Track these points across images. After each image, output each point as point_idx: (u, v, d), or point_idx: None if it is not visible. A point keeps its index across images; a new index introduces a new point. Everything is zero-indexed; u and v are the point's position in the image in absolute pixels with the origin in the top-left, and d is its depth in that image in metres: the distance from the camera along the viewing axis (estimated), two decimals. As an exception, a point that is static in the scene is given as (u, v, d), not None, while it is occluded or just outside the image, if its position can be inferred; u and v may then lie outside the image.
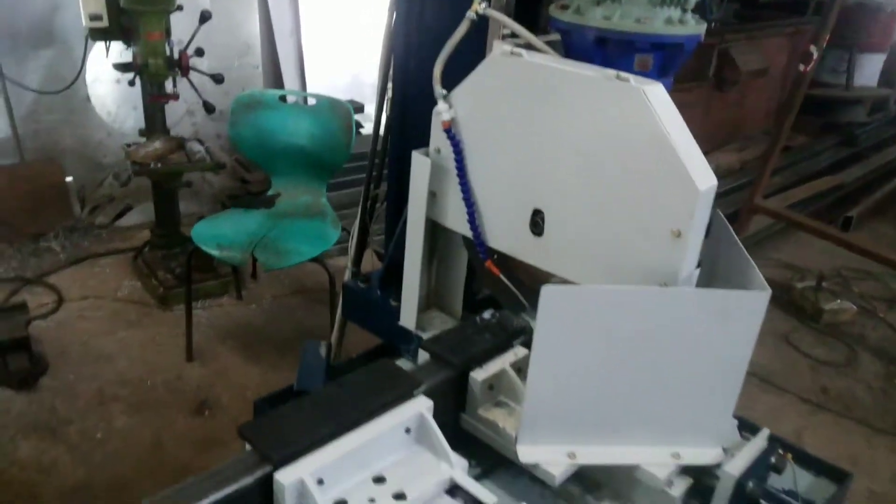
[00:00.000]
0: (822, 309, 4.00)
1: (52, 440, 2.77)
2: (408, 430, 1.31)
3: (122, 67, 3.51)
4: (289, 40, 4.97)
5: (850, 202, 5.45)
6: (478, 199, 1.59)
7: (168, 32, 3.44)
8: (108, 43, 3.52)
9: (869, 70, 6.86)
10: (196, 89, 3.54)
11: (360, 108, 4.06)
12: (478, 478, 1.42)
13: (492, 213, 1.59)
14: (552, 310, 1.24)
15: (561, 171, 1.43)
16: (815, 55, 3.33)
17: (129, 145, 3.57)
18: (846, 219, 5.12)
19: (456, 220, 1.67)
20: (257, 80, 4.97)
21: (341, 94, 3.36)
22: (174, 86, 3.57)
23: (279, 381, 2.41)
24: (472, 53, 1.55)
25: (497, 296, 1.70)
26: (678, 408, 1.38)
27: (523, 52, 1.40)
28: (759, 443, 1.45)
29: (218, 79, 3.53)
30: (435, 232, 1.78)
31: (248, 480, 1.12)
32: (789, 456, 1.51)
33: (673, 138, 1.26)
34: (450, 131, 1.54)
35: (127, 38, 3.48)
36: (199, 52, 3.50)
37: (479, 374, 1.45)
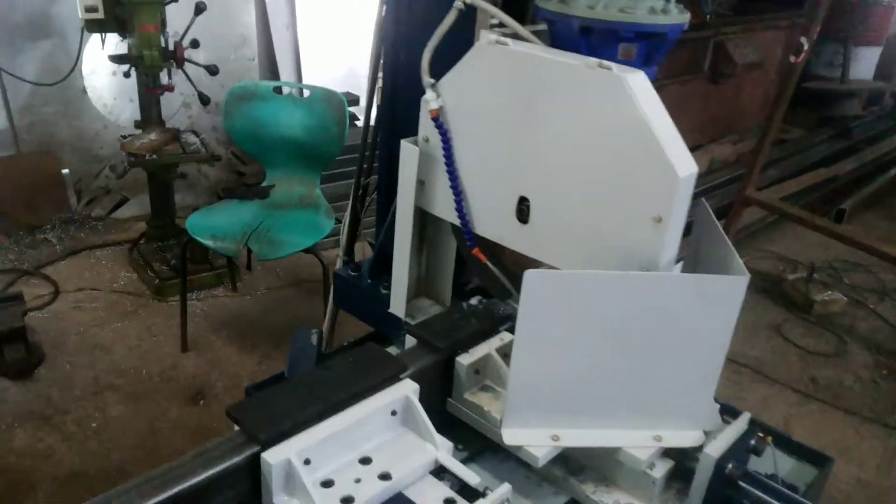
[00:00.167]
0: (812, 300, 4.03)
1: (48, 429, 2.80)
2: (394, 413, 1.34)
3: (117, 59, 3.53)
4: (285, 33, 4.98)
5: (844, 195, 5.48)
6: (465, 187, 1.62)
7: (163, 24, 3.46)
8: (103, 35, 3.53)
9: (864, 63, 6.87)
10: (191, 81, 3.56)
11: (355, 101, 4.07)
12: (464, 461, 1.43)
13: (479, 201, 1.62)
14: (534, 294, 1.27)
15: (545, 158, 1.45)
16: (806, 47, 3.35)
17: (124, 137, 3.59)
18: (839, 211, 5.15)
19: (444, 208, 1.69)
20: (253, 73, 4.99)
21: (337, 87, 3.38)
22: (169, 77, 3.59)
23: (273, 371, 2.43)
24: (461, 43, 1.57)
25: (484, 283, 1.73)
26: (660, 391, 1.41)
27: (509, 41, 1.42)
28: (739, 426, 1.47)
29: (212, 70, 3.54)
30: (424, 220, 1.80)
31: (236, 460, 1.15)
32: (769, 439, 1.54)
33: (654, 126, 1.28)
34: (437, 120, 1.56)
35: (122, 29, 3.50)
36: (195, 44, 3.52)
37: (465, 359, 1.48)
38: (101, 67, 4.36)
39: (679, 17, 1.43)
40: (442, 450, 1.31)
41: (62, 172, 4.42)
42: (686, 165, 1.31)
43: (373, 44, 2.12)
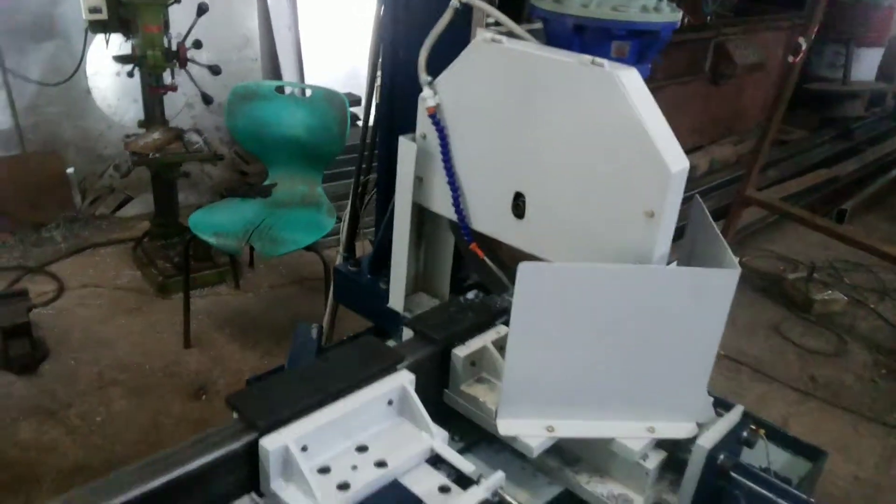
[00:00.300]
0: (812, 299, 4.05)
1: (53, 423, 2.83)
2: (390, 402, 1.36)
3: (121, 59, 3.57)
4: (287, 34, 5.02)
5: (846, 195, 5.50)
6: (462, 183, 1.64)
7: (167, 25, 3.50)
8: (107, 35, 3.57)
9: (867, 64, 6.88)
10: (194, 81, 3.60)
11: (356, 101, 4.11)
12: (460, 452, 1.46)
13: (475, 197, 1.64)
14: (529, 286, 1.29)
15: (540, 154, 1.48)
16: (804, 47, 3.38)
17: (128, 136, 3.63)
18: (840, 211, 5.16)
19: (441, 203, 1.72)
20: (256, 73, 5.02)
21: (339, 88, 3.40)
22: (172, 77, 3.62)
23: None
24: (458, 42, 1.60)
25: (481, 278, 1.75)
26: (653, 383, 1.43)
27: (504, 39, 1.45)
28: (731, 418, 1.50)
29: (215, 70, 3.58)
30: (422, 216, 1.83)
31: (234, 446, 1.18)
32: (762, 432, 1.56)
33: (646, 122, 1.31)
34: (435, 117, 1.59)
35: (126, 30, 3.53)
36: (198, 45, 3.56)
37: (461, 351, 1.50)
38: (104, 68, 4.40)
39: (671, 15, 1.46)
40: (437, 439, 1.34)
41: (67, 172, 4.45)
42: (677, 161, 1.33)
43: (371, 43, 2.16)
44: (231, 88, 3.44)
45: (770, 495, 1.40)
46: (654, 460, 1.43)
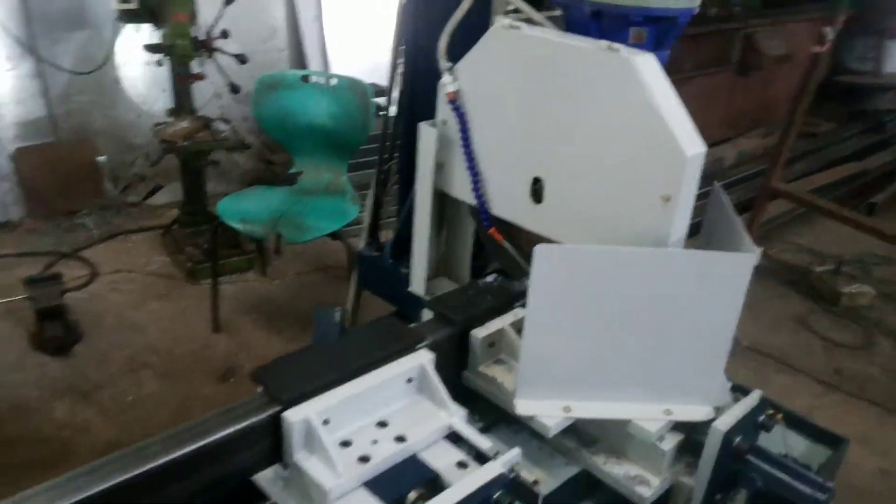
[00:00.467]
0: (839, 292, 4.01)
1: (86, 403, 2.92)
2: (410, 381, 1.39)
3: (150, 48, 3.64)
4: (312, 25, 5.07)
5: (876, 189, 5.42)
6: (481, 168, 1.67)
7: (194, 15, 3.55)
8: (136, 23, 3.64)
9: (899, 57, 6.77)
10: (222, 70, 3.66)
11: (381, 92, 4.14)
12: (480, 432, 1.49)
13: (495, 182, 1.67)
14: (545, 268, 1.31)
15: (558, 139, 1.50)
16: (830, 36, 3.34)
17: (158, 124, 3.70)
18: (869, 205, 5.09)
19: (462, 189, 1.74)
20: (282, 64, 5.08)
21: (363, 79, 3.45)
22: (201, 66, 3.69)
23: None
24: (477, 28, 1.62)
25: (500, 262, 1.78)
26: (669, 366, 1.44)
27: (522, 25, 1.47)
28: (749, 402, 1.51)
29: (242, 59, 3.64)
30: (443, 202, 1.86)
31: (259, 418, 1.22)
32: (780, 416, 1.56)
33: (661, 106, 1.32)
34: (454, 102, 1.62)
35: (155, 19, 3.60)
36: (225, 34, 3.61)
37: (479, 332, 1.53)
38: (134, 58, 4.48)
39: (689, 1, 1.46)
40: (456, 416, 1.37)
41: (98, 160, 4.55)
42: (693, 145, 1.35)
43: (394, 31, 2.19)
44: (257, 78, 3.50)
45: (786, 478, 1.41)
46: (670, 442, 1.44)
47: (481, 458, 1.32)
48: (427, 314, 1.62)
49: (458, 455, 1.33)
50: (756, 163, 5.61)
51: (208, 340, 3.37)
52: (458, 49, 1.63)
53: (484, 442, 1.32)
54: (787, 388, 3.39)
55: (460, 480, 1.19)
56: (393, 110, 2.37)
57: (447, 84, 1.60)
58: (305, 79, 3.50)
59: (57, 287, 3.29)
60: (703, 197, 1.57)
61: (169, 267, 3.96)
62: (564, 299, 1.35)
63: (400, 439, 1.30)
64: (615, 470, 1.46)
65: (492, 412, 1.57)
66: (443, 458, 1.32)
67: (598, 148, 1.45)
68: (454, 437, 1.37)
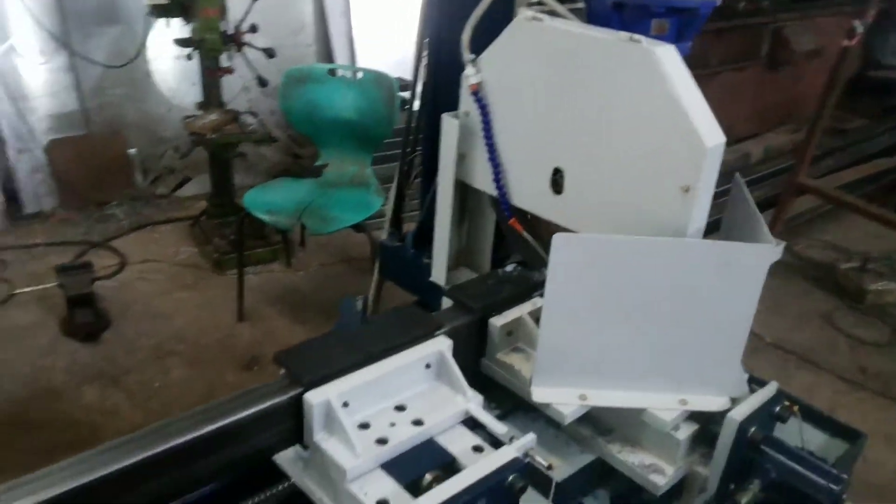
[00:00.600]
0: (865, 290, 3.97)
1: (114, 388, 2.99)
2: (428, 366, 1.42)
3: (181, 42, 3.70)
4: (340, 20, 5.11)
5: (906, 185, 5.35)
6: (503, 160, 1.69)
7: (224, 9, 3.61)
8: (166, 18, 3.71)
9: (934, 52, 6.64)
10: (250, 64, 3.71)
11: (406, 86, 4.17)
12: (497, 419, 1.51)
13: (515, 173, 1.69)
14: (563, 257, 1.33)
15: (579, 130, 1.51)
16: (859, 30, 3.30)
17: (187, 117, 3.77)
18: (899, 201, 5.02)
19: (483, 180, 1.76)
20: (310, 59, 5.14)
21: (390, 72, 3.48)
22: (229, 60, 3.75)
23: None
24: (501, 20, 1.64)
25: (520, 253, 1.80)
26: (686, 356, 1.45)
27: (545, 17, 1.49)
28: (765, 393, 1.51)
29: (270, 53, 3.69)
30: (465, 193, 1.88)
31: (281, 398, 1.25)
32: (795, 408, 1.56)
33: (682, 98, 1.33)
34: (477, 94, 1.64)
35: (186, 14, 3.67)
36: (254, 29, 3.67)
37: (497, 320, 1.55)
38: (165, 52, 4.56)
39: (711, -7, 1.47)
40: (472, 402, 1.39)
41: (129, 152, 4.64)
42: (713, 136, 1.35)
43: (419, 24, 2.21)
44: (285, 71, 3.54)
45: (800, 469, 1.41)
46: (685, 431, 1.45)
47: (497, 443, 1.33)
48: (447, 302, 1.65)
49: (475, 440, 1.35)
50: (784, 159, 5.55)
51: (233, 329, 3.43)
52: (482, 41, 1.65)
53: (500, 427, 1.34)
54: (811, 385, 3.37)
55: (475, 464, 1.21)
56: (417, 104, 2.40)
57: (470, 76, 1.62)
58: (332, 73, 3.54)
59: (87, 275, 3.37)
60: (724, 195, 1.58)
61: (196, 257, 4.03)
62: (582, 288, 1.37)
63: (417, 423, 1.33)
64: (630, 458, 1.47)
65: (508, 400, 1.59)
66: (459, 443, 1.34)
67: (619, 139, 1.46)
68: (471, 423, 1.39)
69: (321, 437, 1.26)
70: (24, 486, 1.06)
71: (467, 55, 1.63)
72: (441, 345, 1.43)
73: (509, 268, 1.71)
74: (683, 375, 1.46)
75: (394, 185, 2.42)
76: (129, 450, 1.14)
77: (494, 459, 1.22)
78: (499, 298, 1.59)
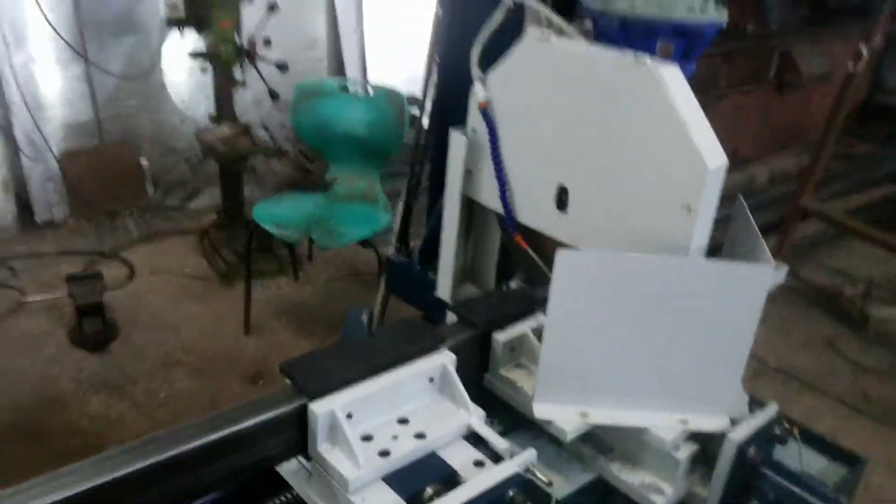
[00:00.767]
0: (869, 316, 3.96)
1: (120, 397, 3.01)
2: (431, 380, 1.43)
3: (196, 55, 3.76)
4: (352, 36, 5.17)
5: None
6: (509, 176, 1.71)
7: (239, 23, 3.67)
8: (182, 30, 3.77)
9: (942, 78, 6.65)
10: (262, 77, 3.76)
11: (416, 103, 4.21)
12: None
13: (521, 189, 1.71)
14: (566, 273, 1.34)
15: (584, 148, 1.53)
16: (866, 55, 3.32)
17: (199, 129, 3.82)
18: (905, 227, 5.01)
19: (489, 196, 1.78)
20: (322, 73, 5.20)
21: (400, 89, 3.52)
22: (242, 73, 3.80)
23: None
24: (510, 38, 1.67)
25: (524, 269, 1.81)
26: (687, 375, 1.46)
27: (552, 36, 1.52)
28: (765, 414, 1.52)
29: (283, 67, 3.74)
30: (471, 209, 1.90)
31: (286, 408, 1.27)
32: (796, 430, 1.57)
33: (685, 118, 1.35)
34: (485, 111, 1.67)
35: (201, 26, 3.72)
36: (267, 42, 3.72)
37: (501, 336, 1.56)
38: (179, 64, 4.61)
39: (716, 15, 1.50)
40: (474, 416, 1.40)
41: (141, 163, 4.69)
42: (715, 157, 1.37)
43: (430, 42, 2.24)
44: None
45: (799, 491, 1.42)
46: (685, 451, 1.45)
47: (498, 459, 1.34)
48: (451, 317, 1.66)
49: (476, 454, 1.35)
50: (790, 182, 5.56)
51: (240, 342, 3.45)
52: (490, 59, 1.68)
53: (501, 442, 1.35)
54: (813, 410, 3.36)
55: (476, 478, 1.22)
56: (426, 121, 2.43)
57: (478, 93, 1.65)
58: (343, 88, 3.58)
59: (97, 285, 3.40)
60: (727, 220, 1.60)
61: (205, 269, 4.06)
62: (584, 304, 1.38)
63: (420, 436, 1.34)
64: (630, 477, 1.48)
65: (510, 417, 1.60)
66: (460, 457, 1.34)
67: (623, 157, 1.48)
68: (472, 438, 1.40)
69: (324, 448, 1.27)
70: (29, 490, 1.07)
71: (476, 72, 1.66)
72: (445, 359, 1.44)
73: (513, 284, 1.73)
74: (684, 395, 1.47)
75: (401, 201, 2.44)
76: (135, 455, 1.16)
77: (495, 474, 1.23)
78: (502, 314, 1.60)
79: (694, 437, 1.48)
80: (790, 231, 4.18)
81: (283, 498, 1.32)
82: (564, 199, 1.60)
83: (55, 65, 4.34)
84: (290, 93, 4.10)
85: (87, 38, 4.36)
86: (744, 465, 1.42)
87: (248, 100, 4.81)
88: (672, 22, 1.45)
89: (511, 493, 1.21)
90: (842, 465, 1.84)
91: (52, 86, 4.36)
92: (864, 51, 3.31)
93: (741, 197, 1.66)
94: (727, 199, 1.55)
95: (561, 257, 1.32)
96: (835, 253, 4.83)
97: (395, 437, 1.33)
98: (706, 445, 1.49)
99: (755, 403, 1.56)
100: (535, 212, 1.69)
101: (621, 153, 1.47)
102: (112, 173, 4.56)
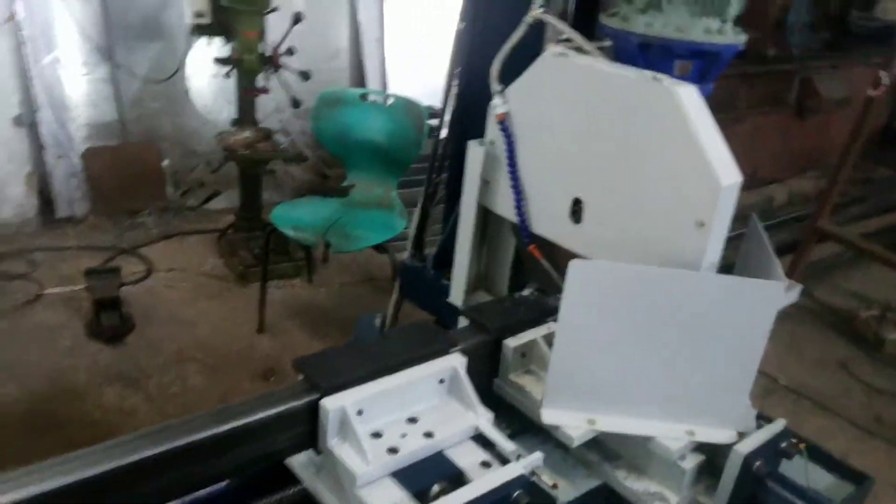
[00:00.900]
0: (884, 339, 3.95)
1: (134, 390, 3.06)
2: (442, 381, 1.46)
3: (220, 61, 3.83)
4: (374, 46, 5.23)
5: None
6: (525, 188, 1.74)
7: (263, 32, 3.74)
8: (208, 37, 3.85)
9: (964, 105, 6.61)
10: (285, 85, 3.82)
11: (435, 114, 4.25)
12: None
13: (537, 201, 1.74)
14: (578, 283, 1.37)
15: (600, 162, 1.56)
16: (885, 81, 3.33)
17: (221, 133, 3.88)
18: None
19: (505, 206, 1.81)
20: (343, 83, 5.26)
21: (420, 100, 3.58)
22: (266, 81, 3.86)
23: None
24: (530, 54, 1.70)
25: (537, 278, 1.84)
26: (695, 388, 1.48)
27: (571, 53, 1.55)
28: (772, 429, 1.52)
29: (305, 76, 3.80)
30: (486, 218, 1.93)
31: (298, 403, 1.30)
32: (802, 446, 1.58)
33: (701, 136, 1.38)
34: (503, 124, 1.70)
35: (226, 34, 3.80)
36: (290, 52, 3.78)
37: (512, 342, 1.59)
38: (203, 70, 4.68)
39: (734, 38, 1.52)
40: (483, 418, 1.43)
41: (162, 164, 4.77)
42: (729, 175, 1.40)
43: (451, 54, 2.29)
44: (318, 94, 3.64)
45: (803, 506, 1.43)
46: (691, 461, 1.46)
47: (505, 461, 1.36)
48: (463, 322, 1.69)
49: (483, 455, 1.38)
50: (809, 205, 5.55)
51: (253, 340, 3.49)
52: (510, 73, 1.71)
53: (508, 445, 1.37)
54: (824, 431, 3.35)
55: (482, 478, 1.24)
56: (444, 131, 2.47)
57: (497, 106, 1.68)
58: (364, 97, 3.63)
59: (115, 279, 3.46)
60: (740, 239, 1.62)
61: (221, 269, 4.12)
62: (595, 313, 1.41)
63: (428, 435, 1.36)
64: (635, 485, 1.49)
65: (518, 422, 1.62)
66: (467, 457, 1.37)
67: (638, 173, 1.50)
68: (480, 440, 1.43)
69: (334, 443, 1.30)
70: (39, 472, 1.10)
71: (496, 86, 1.69)
72: (455, 361, 1.47)
73: (526, 292, 1.76)
74: (692, 406, 1.49)
75: (418, 208, 2.48)
76: (147, 443, 1.19)
77: (501, 475, 1.25)
78: (514, 320, 1.63)
79: (700, 448, 1.49)
80: (806, 252, 4.18)
81: (291, 491, 1.35)
82: (579, 211, 1.62)
83: (82, 66, 4.42)
84: (311, 100, 4.17)
85: (114, 41, 4.45)
86: (749, 478, 1.43)
87: (270, 106, 4.87)
88: (689, 44, 1.48)
89: (516, 495, 1.23)
90: (849, 482, 1.85)
91: (78, 87, 4.44)
92: (884, 77, 3.32)
93: (755, 216, 1.68)
94: (744, 218, 1.57)
95: (574, 267, 1.34)
96: (851, 275, 4.82)
97: (403, 436, 1.35)
98: (712, 457, 1.50)
99: (763, 419, 1.57)
100: (549, 223, 1.72)
101: (637, 168, 1.50)
102: (133, 172, 4.63)
